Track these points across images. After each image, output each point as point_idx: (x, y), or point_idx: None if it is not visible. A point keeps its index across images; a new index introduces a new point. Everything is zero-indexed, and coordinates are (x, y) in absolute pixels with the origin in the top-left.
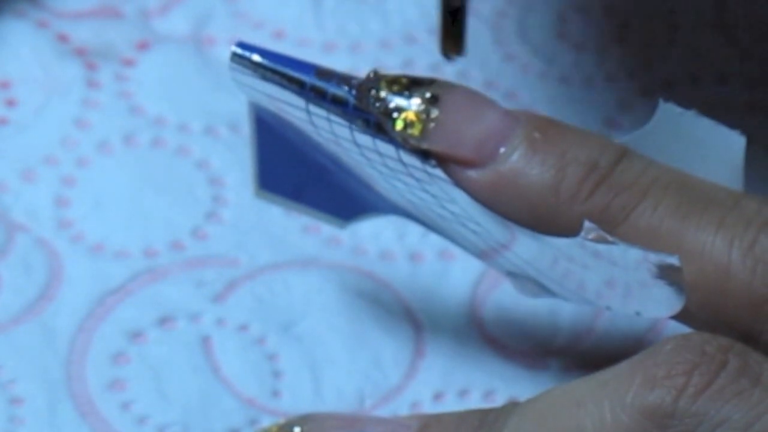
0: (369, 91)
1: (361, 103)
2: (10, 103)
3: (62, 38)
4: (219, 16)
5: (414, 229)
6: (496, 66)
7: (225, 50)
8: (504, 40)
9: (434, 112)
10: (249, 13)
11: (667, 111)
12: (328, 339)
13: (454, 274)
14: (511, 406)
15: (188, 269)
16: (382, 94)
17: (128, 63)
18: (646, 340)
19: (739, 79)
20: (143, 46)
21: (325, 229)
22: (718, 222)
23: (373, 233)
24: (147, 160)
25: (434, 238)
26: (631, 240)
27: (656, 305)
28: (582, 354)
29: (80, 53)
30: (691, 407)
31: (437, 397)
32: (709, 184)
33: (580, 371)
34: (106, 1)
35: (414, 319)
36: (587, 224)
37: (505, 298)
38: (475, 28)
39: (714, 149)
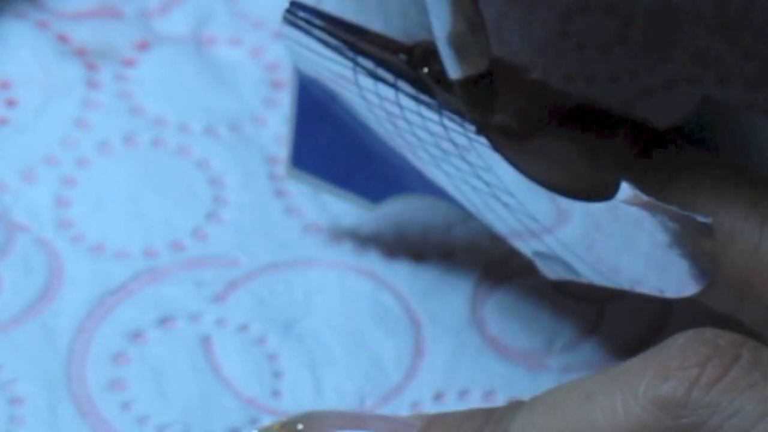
0: (419, 55)
1: (410, 65)
2: (10, 103)
3: (62, 38)
4: (219, 16)
5: (415, 229)
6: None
7: (225, 50)
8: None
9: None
10: (249, 13)
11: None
12: (328, 339)
13: (454, 274)
14: (517, 404)
15: (188, 269)
16: (432, 58)
17: (128, 63)
18: (648, 341)
19: (739, 80)
20: (143, 46)
21: (326, 229)
22: (752, 201)
23: (374, 233)
24: (147, 160)
25: (435, 238)
26: None
27: (684, 281)
28: (582, 354)
29: (80, 53)
30: (704, 398)
31: (437, 397)
32: (744, 167)
33: (580, 371)
34: (106, 1)
35: (414, 319)
36: (624, 185)
37: (506, 298)
38: None
39: (750, 140)
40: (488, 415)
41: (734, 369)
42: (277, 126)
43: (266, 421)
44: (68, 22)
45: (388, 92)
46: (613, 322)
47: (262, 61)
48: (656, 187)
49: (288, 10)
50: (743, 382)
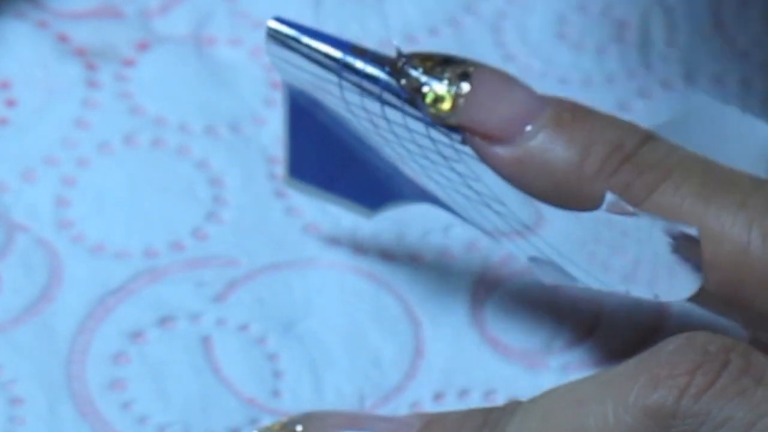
0: (402, 66)
1: (393, 78)
2: (10, 103)
3: (62, 38)
4: (219, 16)
5: (414, 229)
6: (496, 66)
7: (225, 50)
8: (503, 41)
9: (465, 88)
10: (249, 13)
11: (695, 101)
12: (328, 339)
13: (454, 274)
14: (515, 405)
15: (188, 269)
16: (415, 69)
17: (128, 63)
18: (648, 341)
19: (735, 80)
20: (143, 46)
21: (325, 229)
22: (740, 203)
23: (374, 233)
24: (147, 161)
25: (434, 239)
26: None
27: (676, 285)
28: (582, 354)
29: (80, 53)
30: (693, 407)
31: (437, 397)
32: (732, 169)
33: (580, 371)
34: (106, 1)
35: (414, 319)
36: (609, 196)
37: (505, 298)
38: (475, 28)
39: (740, 138)
40: (486, 415)
41: (724, 376)
42: (277, 126)
43: (266, 421)
44: (68, 22)
45: (374, 106)
46: (612, 321)
47: (262, 61)
48: (644, 192)
49: (271, 27)
50: (732, 389)
